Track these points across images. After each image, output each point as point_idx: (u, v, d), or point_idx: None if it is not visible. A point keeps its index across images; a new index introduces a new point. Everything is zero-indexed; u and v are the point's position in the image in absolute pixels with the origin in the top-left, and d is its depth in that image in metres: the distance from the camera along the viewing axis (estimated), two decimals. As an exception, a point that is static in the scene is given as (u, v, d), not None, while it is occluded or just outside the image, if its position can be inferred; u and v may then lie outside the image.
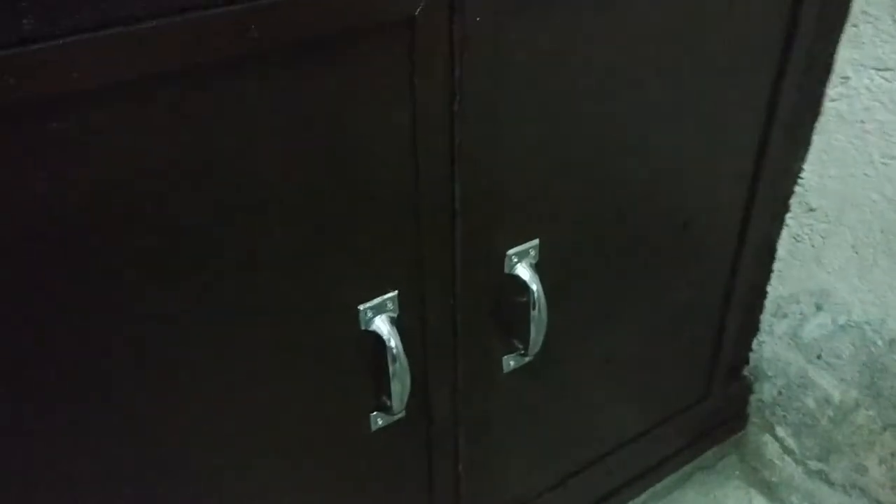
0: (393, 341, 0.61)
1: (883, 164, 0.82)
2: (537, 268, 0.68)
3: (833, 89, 0.84)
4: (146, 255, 0.48)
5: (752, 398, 1.06)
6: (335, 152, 0.53)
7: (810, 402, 0.99)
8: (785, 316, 0.99)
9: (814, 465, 1.01)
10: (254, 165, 0.49)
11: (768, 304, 1.00)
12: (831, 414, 0.96)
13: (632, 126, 0.69)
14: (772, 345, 1.01)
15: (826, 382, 0.96)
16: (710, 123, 0.77)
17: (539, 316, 0.68)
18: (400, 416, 0.66)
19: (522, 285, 0.67)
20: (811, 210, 0.91)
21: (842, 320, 0.93)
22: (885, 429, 0.91)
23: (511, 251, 0.66)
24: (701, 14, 0.68)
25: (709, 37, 0.70)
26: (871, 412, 0.92)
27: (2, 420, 0.48)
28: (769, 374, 1.03)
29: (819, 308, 0.95)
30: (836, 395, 0.95)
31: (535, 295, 0.67)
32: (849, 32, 0.81)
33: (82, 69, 0.40)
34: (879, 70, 0.79)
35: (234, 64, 0.45)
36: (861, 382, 0.92)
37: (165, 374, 0.53)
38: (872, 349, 0.90)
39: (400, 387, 0.63)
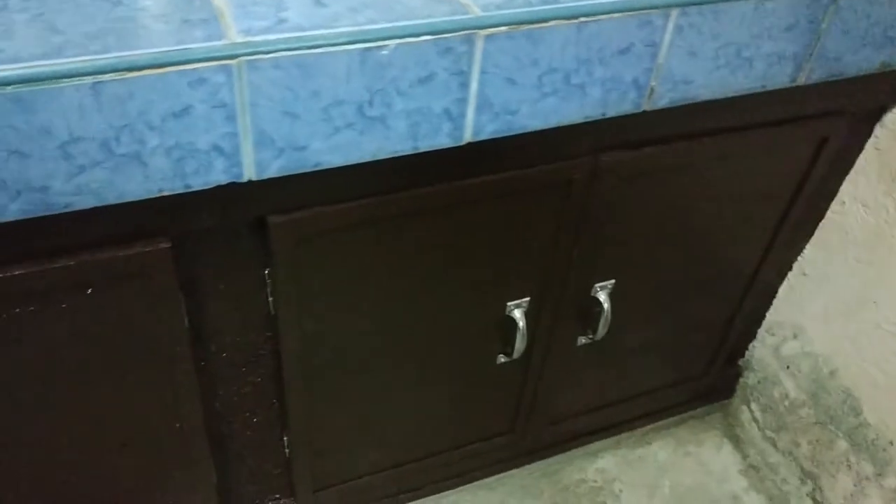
0: (521, 323, 1.11)
1: (854, 262, 1.25)
2: (611, 293, 1.16)
3: (834, 206, 1.26)
4: (419, 273, 0.98)
5: (741, 380, 1.54)
6: (500, 242, 1.01)
7: (776, 394, 1.46)
8: (773, 334, 1.45)
9: (769, 433, 1.49)
10: (457, 245, 0.98)
11: (765, 324, 1.46)
12: (787, 404, 1.44)
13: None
14: (761, 350, 1.48)
15: (788, 384, 1.43)
16: (741, 215, 1.20)
17: (605, 321, 1.17)
18: (514, 359, 1.17)
19: (600, 304, 1.15)
20: (804, 274, 1.35)
21: (806, 349, 1.38)
22: (815, 423, 1.38)
23: (597, 285, 1.14)
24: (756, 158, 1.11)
25: (752, 172, 1.13)
26: (810, 411, 1.39)
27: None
28: (755, 368, 1.50)
29: (795, 336, 1.40)
30: (792, 394, 1.42)
31: (605, 310, 1.15)
32: (852, 177, 1.22)
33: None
34: (862, 206, 1.21)
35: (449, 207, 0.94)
36: (808, 390, 1.39)
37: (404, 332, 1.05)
38: (819, 373, 1.36)
39: (521, 345, 1.13)
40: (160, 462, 1.03)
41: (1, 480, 0.92)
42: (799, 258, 1.35)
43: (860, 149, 1.18)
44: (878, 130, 1.16)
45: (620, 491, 1.47)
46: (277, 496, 1.22)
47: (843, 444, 1.33)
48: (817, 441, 1.39)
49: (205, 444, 1.03)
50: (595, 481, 1.48)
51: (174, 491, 1.07)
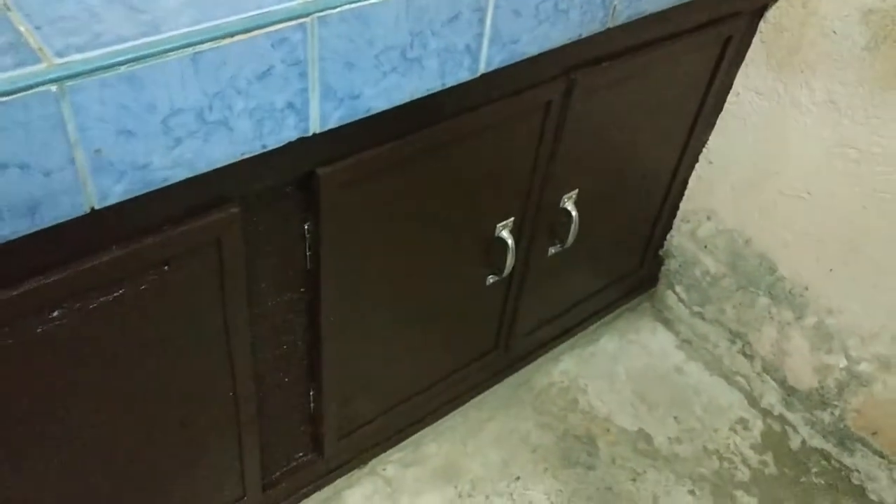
0: (510, 242, 1.22)
1: (753, 143, 1.47)
2: (576, 202, 1.29)
3: (730, 98, 1.46)
4: (431, 207, 1.07)
5: (663, 269, 1.75)
6: (493, 167, 1.11)
7: (697, 272, 1.67)
8: (688, 221, 1.65)
9: (696, 308, 1.71)
10: (455, 181, 1.08)
11: (679, 213, 1.66)
12: (708, 280, 1.66)
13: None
14: (679, 238, 1.69)
15: (707, 261, 1.64)
16: (666, 117, 1.37)
17: (574, 228, 1.30)
18: (501, 277, 1.28)
19: (568, 212, 1.29)
20: (710, 163, 1.56)
21: (720, 227, 1.60)
22: (737, 289, 1.61)
23: (564, 196, 1.27)
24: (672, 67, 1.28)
25: (675, 76, 1.30)
26: (730, 279, 1.61)
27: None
28: (675, 255, 1.70)
29: (709, 219, 1.61)
30: (712, 269, 1.64)
31: (574, 218, 1.29)
32: (743, 70, 1.42)
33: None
34: (755, 93, 1.42)
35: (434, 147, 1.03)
36: (727, 262, 1.61)
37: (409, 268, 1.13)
38: (735, 245, 1.58)
39: (511, 262, 1.24)
40: (212, 435, 1.05)
41: (62, 462, 0.92)
42: (704, 149, 1.55)
43: (749, 44, 1.38)
44: (762, 26, 1.36)
45: (586, 385, 1.64)
46: (301, 454, 1.27)
47: (763, 301, 1.56)
48: (740, 304, 1.61)
49: (254, 410, 1.07)
50: (562, 382, 1.64)
51: (222, 463, 1.10)
